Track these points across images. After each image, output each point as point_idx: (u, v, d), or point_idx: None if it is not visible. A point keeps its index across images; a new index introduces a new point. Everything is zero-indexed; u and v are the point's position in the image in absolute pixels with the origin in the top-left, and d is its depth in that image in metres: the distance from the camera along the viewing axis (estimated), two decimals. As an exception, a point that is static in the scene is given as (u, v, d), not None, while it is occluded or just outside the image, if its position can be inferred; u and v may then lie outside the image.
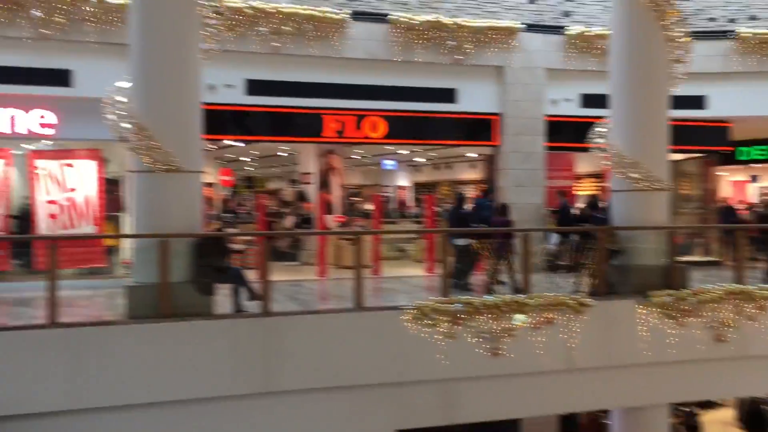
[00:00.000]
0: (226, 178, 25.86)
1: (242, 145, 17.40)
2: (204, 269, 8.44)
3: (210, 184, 22.33)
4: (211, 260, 8.62)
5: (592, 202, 14.35)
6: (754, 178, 22.23)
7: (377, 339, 8.66)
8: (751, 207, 16.70)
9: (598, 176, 18.21)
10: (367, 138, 14.41)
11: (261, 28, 12.67)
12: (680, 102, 12.02)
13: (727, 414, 18.67)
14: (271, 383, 8.29)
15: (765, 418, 16.94)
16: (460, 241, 11.46)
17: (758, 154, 20.81)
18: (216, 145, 16.87)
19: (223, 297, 8.98)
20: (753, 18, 14.69)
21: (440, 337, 8.63)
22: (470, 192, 21.44)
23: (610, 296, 9.77)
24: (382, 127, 14.37)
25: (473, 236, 11.60)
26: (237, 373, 8.16)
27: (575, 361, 9.25)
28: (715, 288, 9.80)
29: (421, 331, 8.62)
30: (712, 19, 14.78)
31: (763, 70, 14.32)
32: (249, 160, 25.36)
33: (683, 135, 13.79)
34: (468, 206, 13.59)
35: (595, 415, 15.74)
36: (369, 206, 20.21)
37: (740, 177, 22.61)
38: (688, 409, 16.42)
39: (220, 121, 12.91)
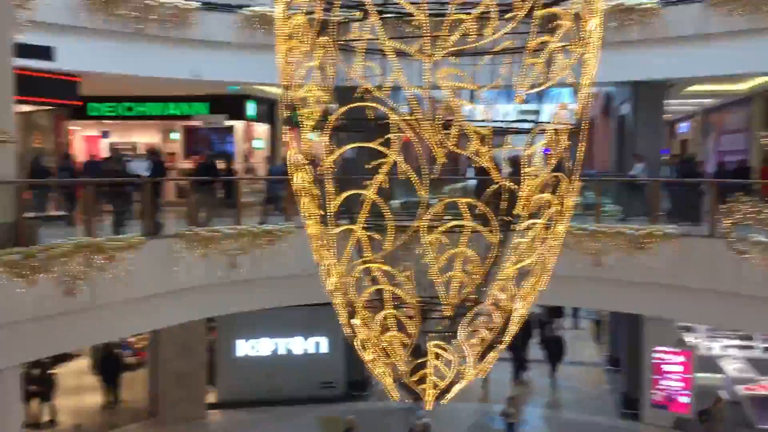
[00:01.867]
0: None
1: None
2: None
3: None
4: None
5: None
6: (105, 134, 23.08)
7: None
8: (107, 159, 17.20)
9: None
10: None
11: None
12: (27, 51, 11.47)
13: (82, 363, 19.30)
14: None
15: (119, 361, 18.14)
16: None
17: (108, 110, 21.73)
18: None
19: None
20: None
21: None
22: None
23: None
24: None
25: None
26: None
27: None
28: (65, 242, 9.80)
29: None
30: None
31: (109, 28, 14.76)
32: None
33: (31, 86, 13.27)
34: None
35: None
36: None
37: (93, 132, 23.16)
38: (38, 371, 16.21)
39: None
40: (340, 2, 5.63)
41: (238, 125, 22.04)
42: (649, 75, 15.61)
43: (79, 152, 21.32)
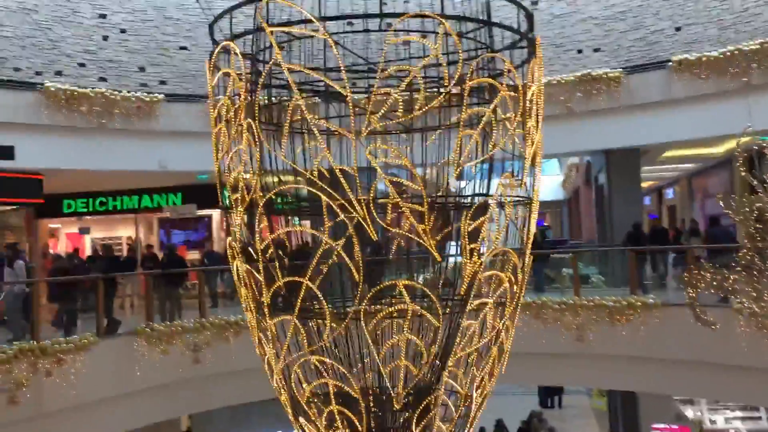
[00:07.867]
0: None
1: None
2: None
3: None
4: None
5: None
6: (83, 230, 22.53)
7: None
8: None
9: None
10: None
11: None
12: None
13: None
14: None
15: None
16: None
17: (82, 206, 21.38)
18: None
19: None
20: (59, 73, 14.85)
21: None
22: None
23: None
24: None
25: None
26: None
27: None
28: (6, 347, 9.27)
29: None
30: (17, 69, 14.38)
31: (72, 124, 14.55)
32: None
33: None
34: None
35: None
36: None
37: (73, 228, 22.67)
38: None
39: None
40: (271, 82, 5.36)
41: (215, 214, 21.65)
42: (617, 143, 15.44)
43: (63, 249, 20.97)
